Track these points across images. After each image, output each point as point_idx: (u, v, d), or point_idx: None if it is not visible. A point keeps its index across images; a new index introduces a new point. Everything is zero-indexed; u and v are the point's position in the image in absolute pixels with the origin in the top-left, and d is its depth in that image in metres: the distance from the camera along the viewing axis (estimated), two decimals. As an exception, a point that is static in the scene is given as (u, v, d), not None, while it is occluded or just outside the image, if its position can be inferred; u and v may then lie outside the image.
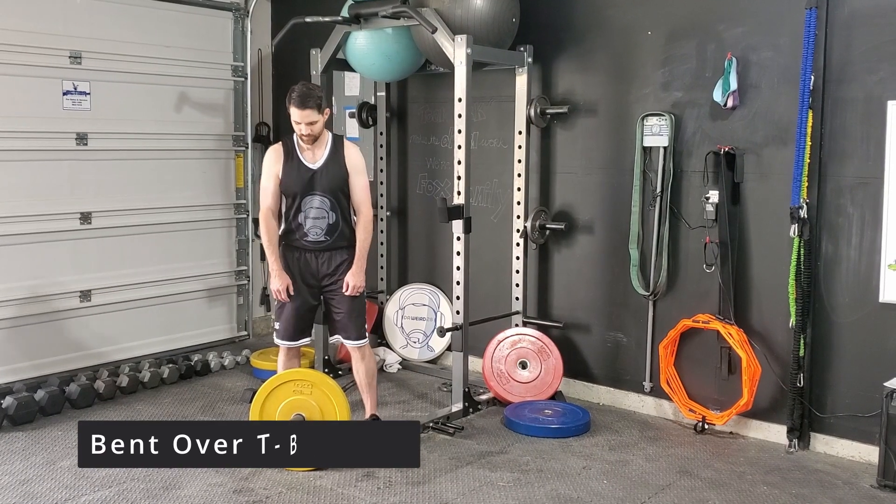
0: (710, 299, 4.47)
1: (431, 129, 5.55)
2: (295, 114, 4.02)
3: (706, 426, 4.46)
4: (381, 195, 5.71)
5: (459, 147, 4.52)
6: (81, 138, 5.30)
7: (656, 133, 4.58)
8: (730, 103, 4.29)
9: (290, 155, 4.16)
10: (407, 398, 5.04)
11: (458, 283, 4.61)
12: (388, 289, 5.78)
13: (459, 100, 4.48)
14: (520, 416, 4.52)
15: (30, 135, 5.06)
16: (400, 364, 5.60)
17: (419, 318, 5.63)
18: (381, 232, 5.75)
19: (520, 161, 4.97)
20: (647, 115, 4.59)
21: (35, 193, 5.12)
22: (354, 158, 4.19)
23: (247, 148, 6.22)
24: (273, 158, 4.19)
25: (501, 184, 5.23)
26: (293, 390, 3.94)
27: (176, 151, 5.80)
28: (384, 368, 5.56)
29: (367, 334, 4.27)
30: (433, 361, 5.60)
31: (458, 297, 4.63)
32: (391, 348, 5.69)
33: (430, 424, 4.43)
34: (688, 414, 4.54)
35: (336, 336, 4.39)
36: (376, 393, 4.31)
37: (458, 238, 4.58)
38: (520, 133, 4.95)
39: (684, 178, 4.56)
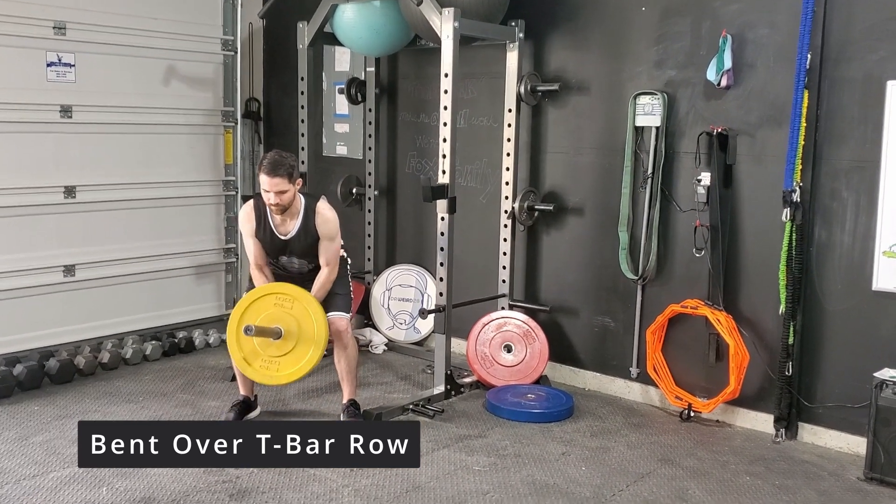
0: (700, 284, 4.36)
1: (421, 107, 5.44)
2: (264, 181, 3.89)
3: (692, 414, 4.36)
4: (370, 174, 5.61)
5: (445, 124, 4.41)
6: (66, 111, 5.21)
7: (649, 112, 4.46)
8: (724, 82, 4.16)
9: (262, 222, 4.07)
10: (390, 380, 4.96)
11: (441, 264, 4.51)
12: (374, 269, 5.69)
13: (446, 75, 4.37)
14: (502, 400, 4.43)
15: (13, 106, 4.96)
16: (386, 345, 5.52)
17: (406, 299, 5.54)
18: (369, 212, 5.65)
19: (509, 140, 4.86)
20: (640, 94, 4.47)
21: (18, 166, 5.04)
22: (325, 228, 4.06)
23: (236, 124, 6.11)
24: (244, 220, 4.13)
25: (491, 163, 5.12)
26: (274, 303, 3.93)
27: (163, 126, 5.69)
28: (370, 349, 5.48)
29: (348, 312, 4.17)
30: (419, 343, 5.51)
31: (441, 279, 4.53)
32: (377, 329, 5.60)
33: (411, 406, 4.35)
34: (674, 401, 4.44)
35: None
36: (356, 380, 4.22)
37: (443, 218, 4.47)
38: (510, 111, 4.84)
39: (676, 159, 4.43)
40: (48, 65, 5.10)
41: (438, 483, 3.56)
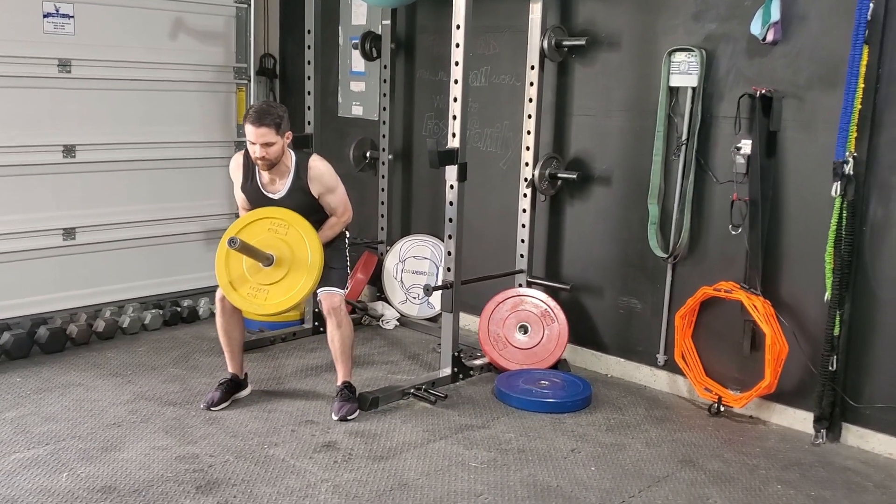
0: (736, 265, 3.90)
1: (440, 63, 5.01)
2: (249, 132, 3.56)
3: (722, 408, 3.93)
4: (384, 136, 5.22)
5: (456, 82, 3.99)
6: (64, 65, 4.91)
7: (684, 71, 3.97)
8: (770, 37, 3.66)
9: (250, 176, 3.75)
10: (397, 358, 4.62)
11: (449, 236, 4.13)
12: (388, 239, 5.33)
13: (458, 27, 3.94)
14: (512, 386, 4.05)
15: (6, 60, 4.67)
16: (398, 320, 5.17)
17: (420, 272, 5.17)
18: (382, 177, 5.28)
19: (531, 100, 4.42)
20: (675, 51, 3.98)
21: (13, 123, 4.76)
22: (322, 181, 3.73)
23: (249, 81, 5.76)
24: (233, 170, 3.82)
25: (513, 126, 4.69)
26: (268, 228, 3.65)
27: (170, 83, 5.37)
28: (381, 324, 5.14)
29: (344, 288, 3.83)
30: (433, 319, 5.14)
31: (449, 253, 4.15)
32: (389, 303, 5.26)
33: (412, 390, 4.01)
34: (703, 393, 4.01)
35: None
36: (351, 361, 3.88)
37: (451, 186, 4.08)
38: (532, 68, 4.39)
39: (714, 124, 3.95)
40: (45, 16, 4.79)
41: (428, 480, 3.21)
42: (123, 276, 5.24)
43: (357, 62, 5.42)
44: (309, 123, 4.89)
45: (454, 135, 4.02)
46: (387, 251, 5.32)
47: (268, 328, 4.88)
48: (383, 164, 5.23)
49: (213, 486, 3.11)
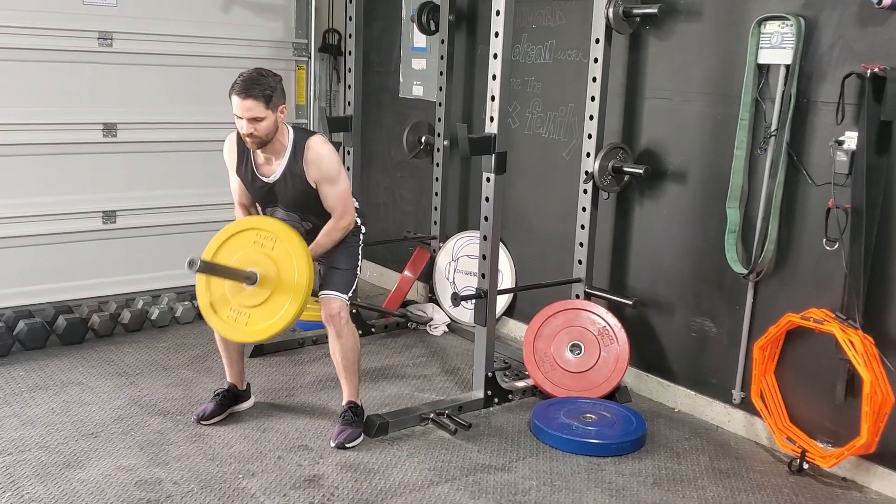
0: (831, 289, 3.12)
1: (502, 38, 4.38)
2: (234, 104, 3.06)
3: (807, 464, 3.16)
4: (440, 120, 4.66)
5: (496, 56, 3.39)
6: (105, 38, 4.63)
7: (776, 45, 3.20)
8: (888, 0, 2.85)
9: (244, 157, 3.26)
10: (432, 372, 4.07)
11: (484, 237, 3.54)
12: (441, 234, 4.77)
13: (499, -9, 3.34)
14: (549, 419, 3.42)
15: (45, 32, 4.43)
16: (448, 326, 4.62)
17: (473, 272, 4.55)
18: (437, 165, 4.72)
19: (595, 80, 3.75)
20: (766, 19, 3.21)
21: (52, 99, 4.53)
22: (319, 167, 3.18)
23: (310, 59, 5.33)
24: (226, 151, 3.34)
25: (578, 110, 4.02)
26: (253, 241, 3.15)
27: (221, 59, 4.99)
28: (428, 329, 4.61)
29: (347, 293, 3.31)
30: (486, 328, 4.56)
31: (483, 257, 3.56)
32: (440, 306, 4.71)
33: (432, 415, 3.45)
34: (783, 444, 3.25)
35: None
36: (357, 377, 3.36)
37: (488, 179, 3.48)
38: (597, 42, 3.72)
39: (811, 111, 3.16)
40: (85, -15, 4.54)
41: (410, 538, 2.66)
42: (162, 263, 4.93)
43: (419, 37, 4.88)
44: (349, 104, 4.39)
45: (491, 118, 3.42)
46: (440, 248, 4.77)
47: (301, 328, 4.44)
48: (438, 150, 4.67)
49: (160, 523, 2.68)
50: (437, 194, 4.73)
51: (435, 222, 4.77)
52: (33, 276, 4.55)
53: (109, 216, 4.83)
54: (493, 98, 3.41)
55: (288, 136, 3.20)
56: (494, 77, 3.40)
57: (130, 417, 3.43)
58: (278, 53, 5.26)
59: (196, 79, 4.92)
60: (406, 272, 4.77)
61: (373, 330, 4.50)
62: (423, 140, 4.76)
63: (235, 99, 3.05)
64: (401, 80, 5.06)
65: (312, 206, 3.26)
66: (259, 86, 3.03)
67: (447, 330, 4.61)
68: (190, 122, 4.93)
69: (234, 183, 3.37)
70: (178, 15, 4.82)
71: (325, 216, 3.29)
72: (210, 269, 3.02)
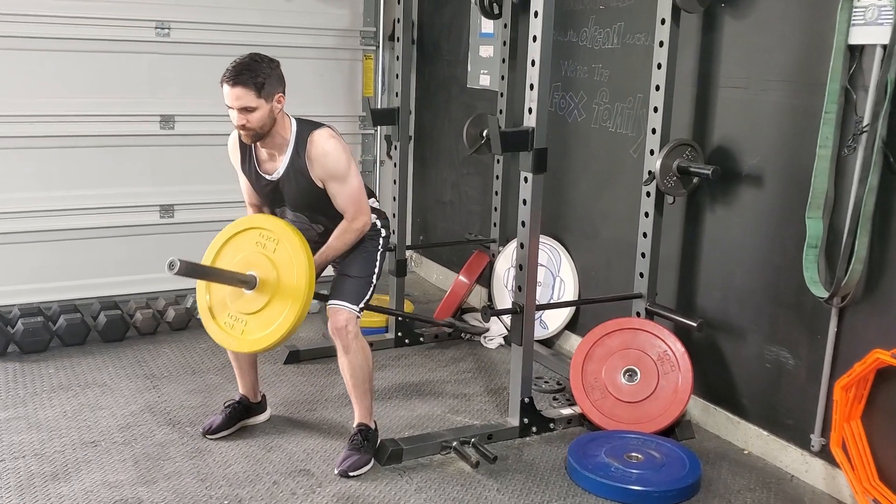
0: (932, 322, 2.52)
1: (569, 20, 3.94)
2: (224, 93, 2.77)
3: (894, 537, 2.58)
4: (501, 111, 4.26)
5: (535, 39, 2.97)
6: (163, 27, 4.54)
7: (872, 20, 2.62)
8: None
9: (247, 154, 2.98)
10: (473, 391, 3.69)
11: (521, 245, 3.13)
12: (501, 237, 4.37)
13: (538, -34, 2.91)
14: (587, 457, 2.97)
15: (100, 22, 4.38)
16: (504, 338, 4.21)
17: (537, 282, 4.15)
18: (498, 162, 4.33)
19: (659, 66, 3.25)
20: (860, -10, 2.64)
21: (109, 90, 4.48)
22: (324, 163, 2.85)
23: (378, 48, 5.08)
24: (230, 149, 3.07)
25: (647, 100, 3.52)
26: (255, 242, 2.89)
27: (285, 49, 4.72)
28: (482, 341, 4.23)
29: (358, 303, 2.97)
30: (546, 342, 4.14)
31: (520, 267, 3.15)
32: (497, 316, 4.30)
33: (455, 443, 3.07)
34: (866, 507, 2.68)
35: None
36: (370, 397, 3.02)
37: (525, 179, 3.07)
38: (662, 23, 3.22)
39: (914, 102, 2.57)
40: (142, -27, 4.44)
41: None
42: (220, 260, 4.80)
43: (486, 22, 4.50)
44: (396, 95, 4.06)
45: (530, 110, 3.01)
46: (499, 251, 4.37)
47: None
48: (498, 146, 4.26)
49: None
50: (496, 193, 4.34)
51: (495, 224, 4.37)
52: (83, 271, 4.51)
53: (167, 210, 4.73)
54: (531, 87, 3.00)
55: (290, 129, 2.90)
56: (533, 63, 2.98)
57: (138, 426, 3.25)
58: (345, 43, 5.03)
59: (257, 70, 4.72)
60: (461, 277, 4.40)
61: (421, 339, 4.16)
62: (483, 133, 4.36)
63: (224, 87, 2.79)
64: (469, 68, 4.69)
65: (321, 207, 2.95)
66: (250, 72, 2.75)
67: (503, 343, 4.21)
68: (250, 114, 4.75)
69: (243, 182, 3.10)
70: (239, 3, 4.68)
71: (338, 218, 2.98)
72: (195, 271, 2.76)
